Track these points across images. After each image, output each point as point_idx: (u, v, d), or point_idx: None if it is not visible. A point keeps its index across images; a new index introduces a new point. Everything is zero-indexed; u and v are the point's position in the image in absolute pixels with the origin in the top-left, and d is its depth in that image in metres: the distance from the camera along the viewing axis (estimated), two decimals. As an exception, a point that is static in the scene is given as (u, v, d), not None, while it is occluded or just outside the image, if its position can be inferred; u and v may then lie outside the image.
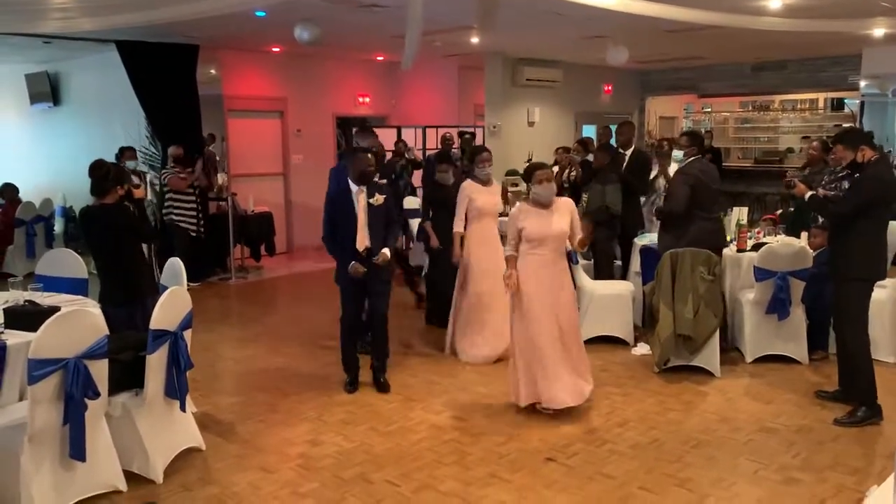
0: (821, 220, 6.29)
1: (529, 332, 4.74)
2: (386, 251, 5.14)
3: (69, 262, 5.22)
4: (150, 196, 8.65)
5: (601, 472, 4.07)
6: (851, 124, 12.07)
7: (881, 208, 4.66)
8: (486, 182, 6.06)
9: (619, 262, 7.36)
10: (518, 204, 5.04)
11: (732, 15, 7.01)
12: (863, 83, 11.26)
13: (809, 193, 4.97)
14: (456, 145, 9.64)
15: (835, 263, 4.81)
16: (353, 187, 5.15)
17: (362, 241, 5.10)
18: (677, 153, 5.98)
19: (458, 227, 6.02)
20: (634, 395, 5.26)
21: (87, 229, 4.73)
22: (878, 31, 8.48)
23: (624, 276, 7.14)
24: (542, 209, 4.78)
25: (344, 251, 5.15)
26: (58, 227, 10.49)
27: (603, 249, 7.00)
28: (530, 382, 4.80)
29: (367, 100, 12.44)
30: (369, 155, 5.33)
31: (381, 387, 5.35)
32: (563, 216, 4.80)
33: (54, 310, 3.81)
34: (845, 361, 4.93)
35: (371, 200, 5.13)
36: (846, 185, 5.60)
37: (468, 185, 6.06)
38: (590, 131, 12.91)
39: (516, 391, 4.89)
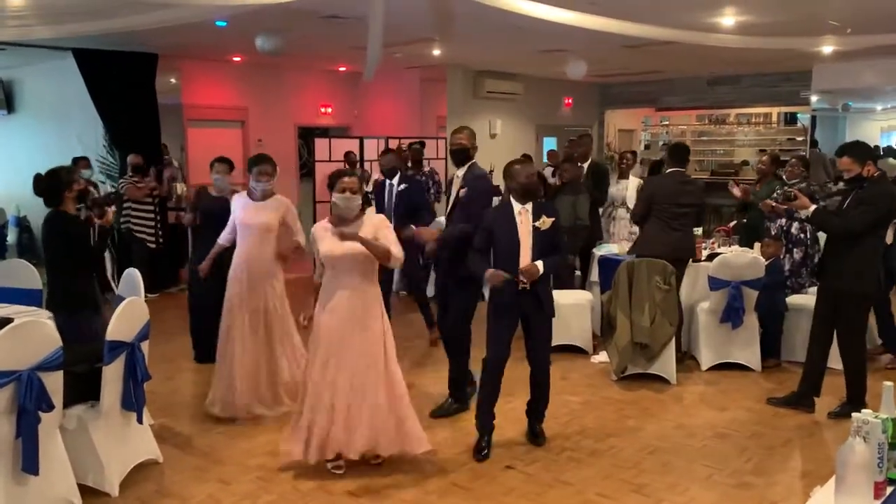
0: (773, 231, 6.46)
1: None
2: (539, 263, 4.24)
3: (23, 273, 5.13)
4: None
5: (559, 479, 4.12)
6: (804, 138, 12.45)
7: (884, 225, 4.75)
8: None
9: (577, 272, 7.46)
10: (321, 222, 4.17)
11: (688, 32, 7.19)
12: (814, 98, 11.67)
13: (813, 207, 4.81)
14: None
15: (842, 280, 4.70)
16: (516, 205, 4.36)
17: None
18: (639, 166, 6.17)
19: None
20: (593, 402, 5.34)
21: (43, 235, 4.69)
22: (827, 49, 8.77)
23: (583, 286, 7.24)
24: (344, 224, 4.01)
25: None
26: (11, 237, 10.28)
27: (564, 259, 7.09)
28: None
29: (330, 110, 12.46)
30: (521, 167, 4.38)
31: (537, 437, 4.61)
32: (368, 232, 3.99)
33: (7, 321, 3.74)
34: (851, 371, 4.85)
35: (537, 224, 4.31)
36: (821, 202, 5.65)
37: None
38: (550, 143, 13.09)
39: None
